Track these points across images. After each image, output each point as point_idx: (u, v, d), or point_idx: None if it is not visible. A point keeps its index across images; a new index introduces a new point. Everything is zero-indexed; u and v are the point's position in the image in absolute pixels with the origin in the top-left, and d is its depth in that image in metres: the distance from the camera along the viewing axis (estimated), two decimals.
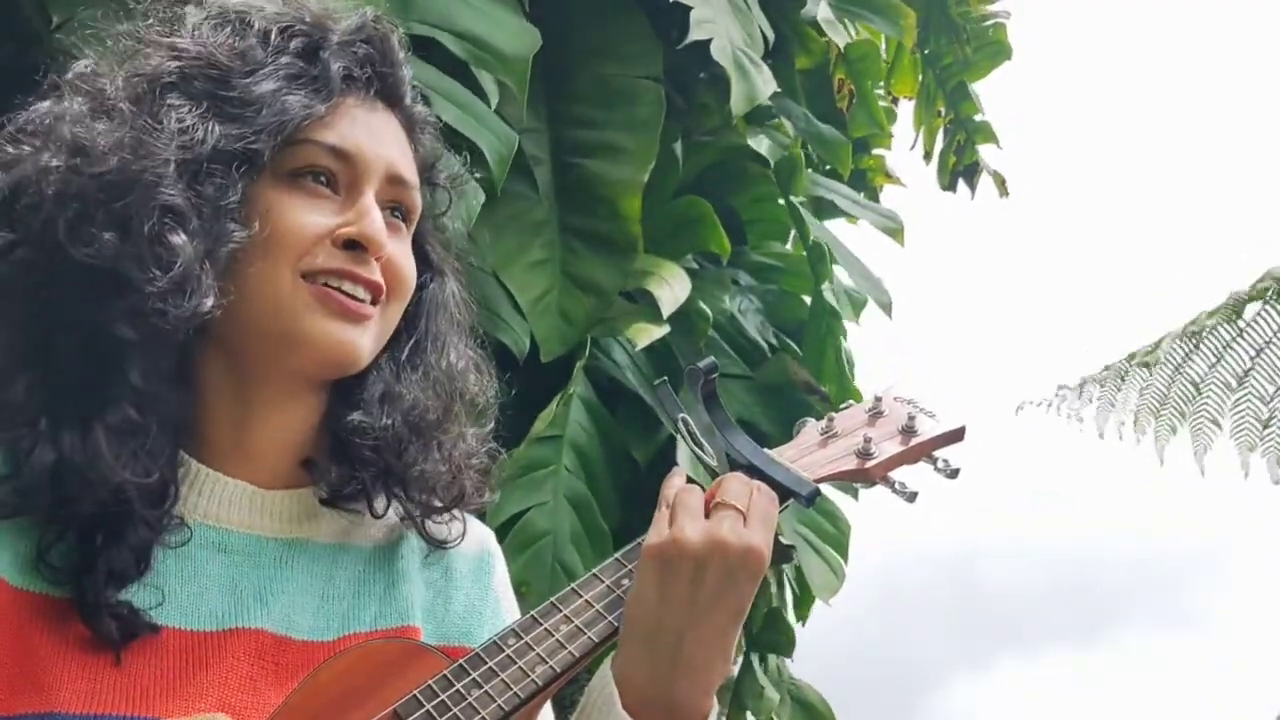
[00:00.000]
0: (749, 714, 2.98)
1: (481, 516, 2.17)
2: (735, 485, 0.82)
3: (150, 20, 0.83)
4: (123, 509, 0.77)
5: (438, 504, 0.90)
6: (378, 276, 0.83)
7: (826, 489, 3.02)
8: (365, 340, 0.83)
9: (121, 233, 0.75)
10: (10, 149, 0.78)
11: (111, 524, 0.77)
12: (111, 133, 0.76)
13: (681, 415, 0.91)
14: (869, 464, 0.90)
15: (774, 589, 2.89)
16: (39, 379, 0.77)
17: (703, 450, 0.91)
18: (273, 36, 0.82)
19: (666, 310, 2.45)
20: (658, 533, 0.80)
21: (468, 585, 0.92)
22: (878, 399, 0.96)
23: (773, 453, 0.90)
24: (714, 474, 0.89)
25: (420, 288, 0.91)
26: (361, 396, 0.86)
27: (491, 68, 2.06)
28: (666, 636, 0.78)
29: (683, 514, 0.80)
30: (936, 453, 0.93)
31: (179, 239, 0.75)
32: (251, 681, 0.78)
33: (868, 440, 0.90)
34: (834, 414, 0.96)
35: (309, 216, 0.81)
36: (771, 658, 3.03)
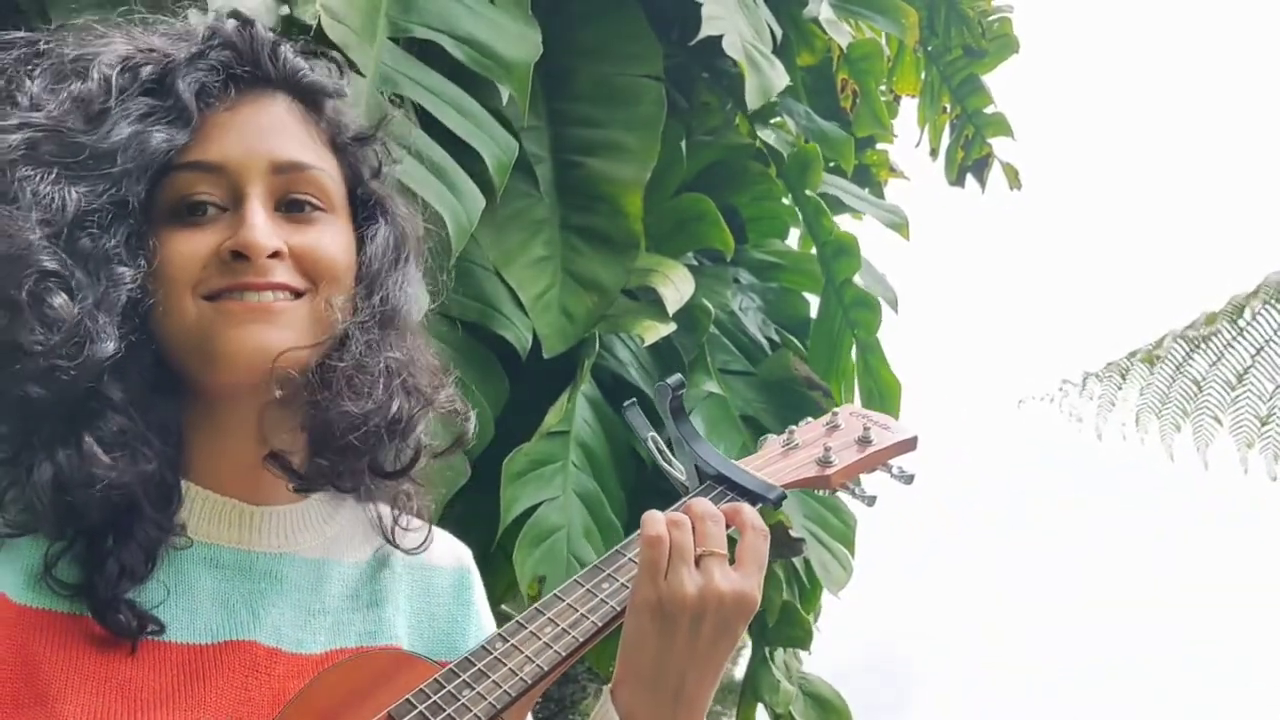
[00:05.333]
0: (762, 707, 2.98)
1: (494, 512, 2.19)
2: (711, 529, 0.83)
3: None
4: (131, 511, 0.79)
5: (403, 462, 0.90)
6: (281, 277, 0.82)
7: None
8: (287, 333, 0.82)
9: (5, 306, 0.76)
10: None
11: (121, 525, 0.79)
12: None
13: (650, 434, 0.97)
14: (829, 471, 0.96)
15: (785, 583, 2.91)
16: (22, 409, 0.78)
17: (671, 466, 0.96)
18: (114, 80, 0.82)
19: (672, 308, 2.47)
20: (655, 583, 0.82)
21: (449, 601, 0.95)
22: (834, 414, 1.03)
23: (739, 463, 0.95)
24: (683, 488, 0.94)
25: (372, 242, 0.90)
26: (323, 379, 0.85)
27: (493, 73, 2.07)
28: (669, 679, 0.82)
29: (679, 565, 0.82)
30: (892, 461, 0.99)
31: (59, 299, 0.77)
32: (246, 693, 0.80)
33: (827, 449, 0.97)
34: (794, 427, 1.01)
35: (193, 244, 0.82)
36: (780, 652, 3.04)
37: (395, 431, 0.88)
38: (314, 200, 0.87)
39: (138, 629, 0.77)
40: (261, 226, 0.82)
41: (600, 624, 0.83)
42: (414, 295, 0.93)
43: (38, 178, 0.79)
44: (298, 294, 0.83)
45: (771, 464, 0.96)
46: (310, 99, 0.89)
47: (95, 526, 0.78)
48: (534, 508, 2.29)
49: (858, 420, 1.01)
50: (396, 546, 0.93)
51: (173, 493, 0.81)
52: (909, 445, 1.00)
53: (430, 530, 0.96)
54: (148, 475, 0.79)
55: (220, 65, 0.85)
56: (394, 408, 0.88)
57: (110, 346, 0.77)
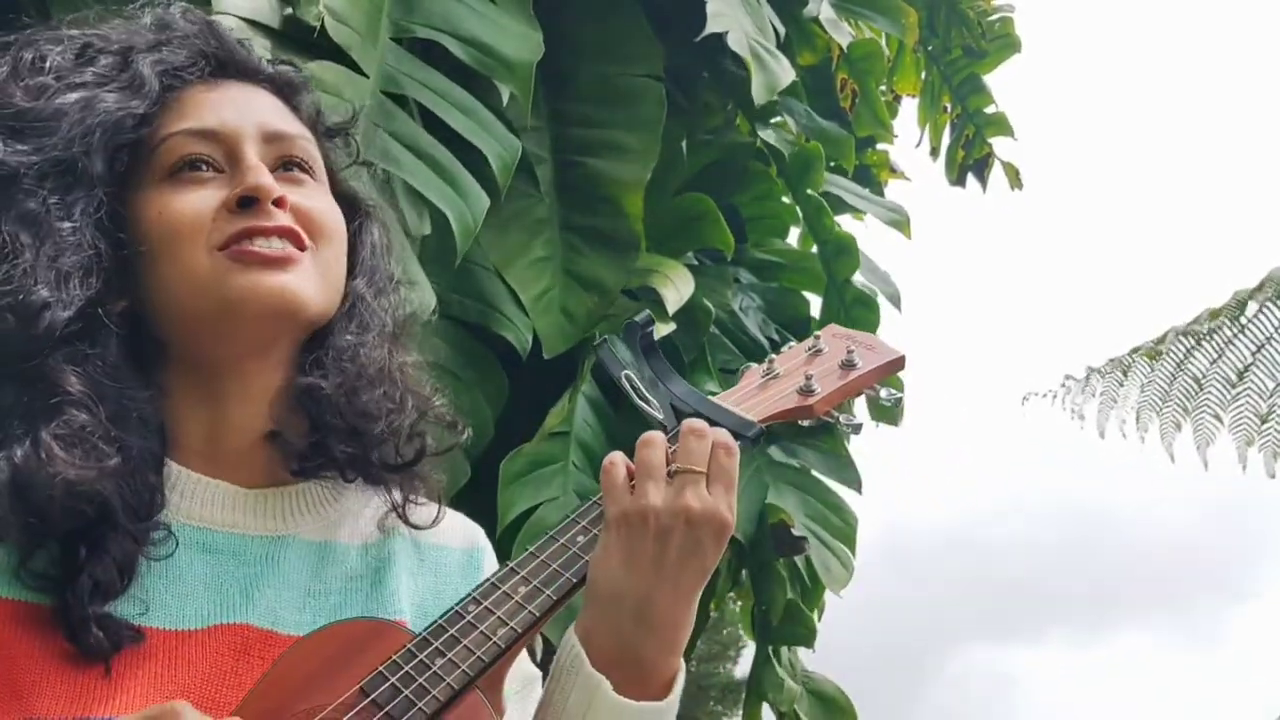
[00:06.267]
0: (767, 706, 2.98)
1: (494, 512, 2.20)
2: (695, 446, 0.81)
3: None
4: (104, 520, 0.76)
5: (404, 456, 0.90)
6: (287, 222, 0.83)
7: (833, 484, 3.01)
8: (303, 283, 0.83)
9: None
10: None
11: (94, 536, 0.76)
12: None
13: (625, 372, 0.93)
14: (811, 400, 0.91)
15: (788, 582, 2.91)
16: None
17: (648, 405, 0.92)
18: (68, 61, 0.84)
19: (672, 308, 2.47)
20: (619, 499, 0.81)
21: (457, 580, 0.93)
22: (817, 336, 0.98)
23: (717, 398, 0.92)
24: (662, 427, 0.90)
25: (352, 237, 0.91)
26: (315, 358, 0.87)
27: (495, 73, 2.08)
28: (631, 599, 0.80)
29: (645, 479, 0.81)
30: (879, 385, 0.95)
31: None
32: (235, 676, 0.78)
33: (809, 378, 0.92)
34: (774, 356, 0.97)
35: (196, 199, 0.82)
36: (785, 651, 3.04)
37: (395, 417, 0.88)
38: (305, 165, 0.88)
39: (110, 649, 0.75)
40: (266, 172, 0.84)
41: (575, 579, 0.82)
42: (400, 297, 0.95)
43: None
44: (302, 247, 0.84)
45: (750, 398, 0.92)
46: (285, 91, 0.91)
47: (67, 535, 0.76)
48: (534, 508, 2.29)
49: (841, 342, 0.96)
50: (407, 522, 0.91)
51: (153, 495, 0.79)
52: (896, 365, 0.95)
53: (441, 508, 0.94)
54: (114, 471, 0.76)
55: (190, 50, 0.87)
56: (395, 394, 0.89)
57: (63, 314, 0.77)
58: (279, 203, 0.83)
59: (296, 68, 0.95)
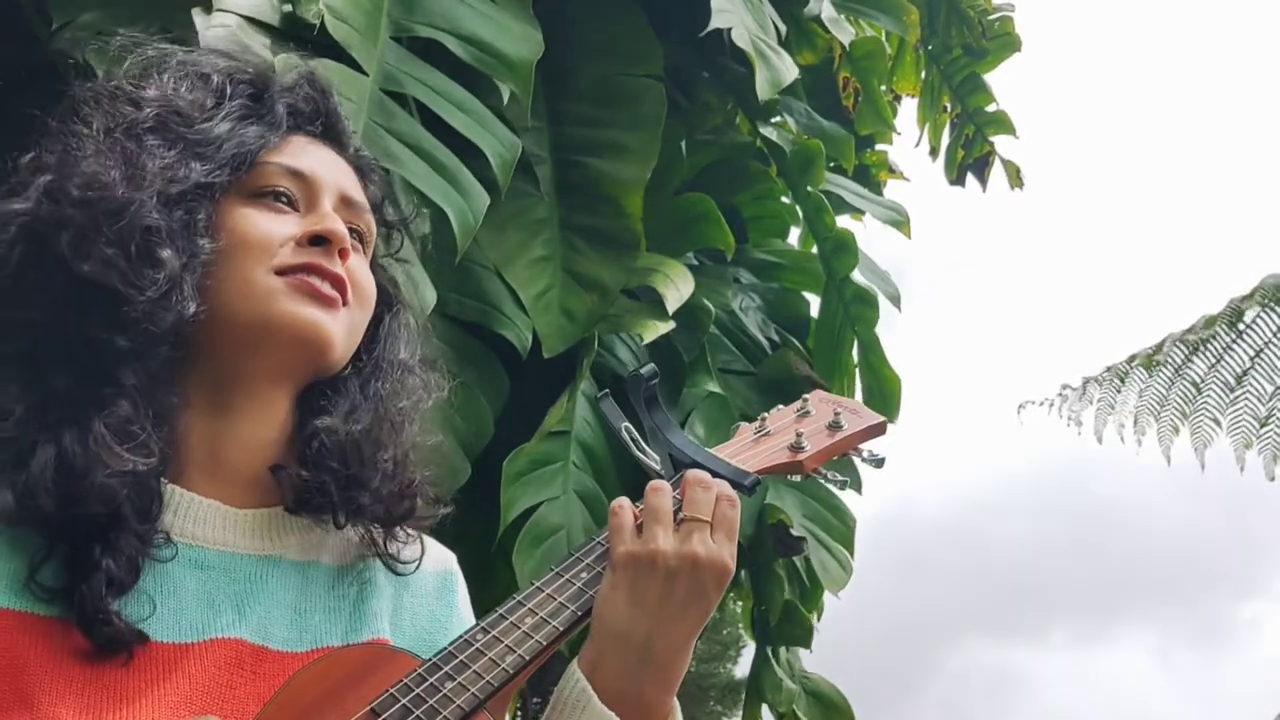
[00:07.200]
0: (766, 708, 2.99)
1: (494, 512, 2.20)
2: (701, 496, 0.87)
3: (121, 72, 0.95)
4: (116, 520, 0.79)
5: (392, 514, 0.94)
6: (344, 273, 0.90)
7: (832, 487, 3.03)
8: (337, 327, 0.89)
9: (117, 250, 0.83)
10: (24, 178, 0.87)
11: (107, 534, 0.79)
12: (111, 168, 0.86)
13: (625, 424, 0.99)
14: (801, 456, 0.99)
15: (786, 583, 2.92)
16: (33, 389, 0.81)
17: (646, 455, 0.98)
18: (225, 86, 0.94)
19: (672, 307, 2.47)
20: (628, 541, 0.86)
21: (432, 602, 0.96)
22: (804, 400, 1.05)
23: (713, 450, 0.98)
24: (659, 477, 0.95)
25: (378, 318, 0.98)
26: (329, 406, 0.92)
27: (496, 72, 2.08)
28: (636, 638, 0.84)
29: (654, 524, 0.86)
30: (862, 445, 1.03)
31: (164, 253, 0.83)
32: (231, 689, 0.80)
33: (799, 435, 0.99)
34: (765, 415, 1.04)
35: (274, 224, 0.89)
36: (783, 652, 3.05)
37: (390, 482, 0.93)
38: (364, 237, 0.97)
39: (129, 638, 0.77)
40: (341, 222, 0.91)
41: (580, 612, 0.85)
42: (422, 381, 1.01)
43: (164, 149, 0.88)
44: (346, 301, 0.90)
45: (744, 451, 0.99)
46: (363, 170, 1.00)
47: (80, 534, 0.79)
48: (534, 507, 2.29)
49: (828, 406, 1.04)
50: (394, 571, 0.94)
51: (154, 500, 0.83)
52: (879, 430, 1.03)
53: (421, 542, 0.98)
54: (143, 472, 0.80)
55: (310, 103, 0.97)
56: (398, 459, 0.94)
57: (192, 307, 0.83)
58: (342, 254, 0.91)
59: (375, 159, 1.04)
